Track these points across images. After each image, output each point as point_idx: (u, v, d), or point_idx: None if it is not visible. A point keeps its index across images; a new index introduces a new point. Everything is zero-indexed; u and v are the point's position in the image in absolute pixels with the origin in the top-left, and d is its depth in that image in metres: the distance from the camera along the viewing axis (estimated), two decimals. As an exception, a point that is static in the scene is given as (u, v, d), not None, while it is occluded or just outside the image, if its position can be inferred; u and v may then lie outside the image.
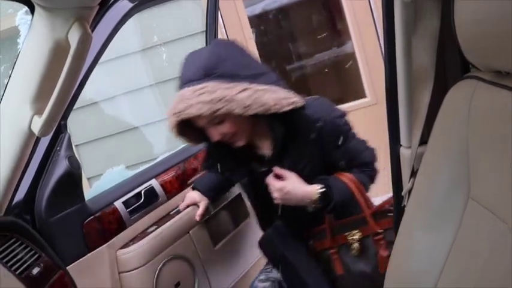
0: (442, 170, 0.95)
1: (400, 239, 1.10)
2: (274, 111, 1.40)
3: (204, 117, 1.41)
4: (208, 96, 1.34)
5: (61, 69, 1.07)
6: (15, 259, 1.27)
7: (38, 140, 1.38)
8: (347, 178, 1.57)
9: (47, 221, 1.55)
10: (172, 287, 1.91)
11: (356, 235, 1.58)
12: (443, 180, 0.94)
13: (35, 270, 1.30)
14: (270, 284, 1.80)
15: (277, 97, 1.40)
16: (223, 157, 1.63)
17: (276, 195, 1.54)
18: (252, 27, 3.55)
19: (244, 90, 1.36)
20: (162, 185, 2.01)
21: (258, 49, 3.49)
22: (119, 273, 1.80)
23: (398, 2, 1.04)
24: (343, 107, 3.50)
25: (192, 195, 1.96)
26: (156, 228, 1.91)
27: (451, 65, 1.09)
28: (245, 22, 3.46)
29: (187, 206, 1.96)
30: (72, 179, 1.63)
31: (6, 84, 1.19)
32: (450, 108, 0.96)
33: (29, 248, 1.34)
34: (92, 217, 1.72)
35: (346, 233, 1.60)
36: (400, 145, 1.21)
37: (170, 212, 2.03)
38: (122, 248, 1.81)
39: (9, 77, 1.18)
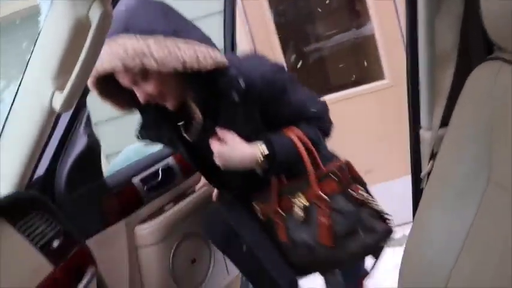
0: (463, 152, 0.95)
1: (418, 221, 1.10)
2: (196, 70, 1.31)
3: (124, 75, 1.35)
4: (120, 49, 1.27)
5: (82, 46, 1.07)
6: (35, 232, 1.29)
7: (58, 116, 1.39)
8: (293, 133, 1.46)
9: (66, 196, 1.57)
10: (188, 263, 1.94)
11: (301, 199, 1.48)
12: (464, 162, 0.94)
13: (55, 244, 1.32)
14: None
15: (195, 54, 1.30)
16: (156, 124, 1.55)
17: (217, 161, 1.46)
18: (271, 8, 3.52)
19: (158, 43, 1.28)
20: (178, 164, 2.01)
21: (276, 30, 3.46)
22: (136, 248, 1.84)
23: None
24: (361, 89, 3.52)
25: None
26: (173, 206, 1.93)
27: (475, 46, 1.08)
28: (264, 3, 3.43)
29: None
30: (91, 156, 1.64)
31: (28, 61, 1.20)
32: (473, 90, 0.95)
33: (49, 222, 1.36)
34: (111, 193, 1.75)
35: (291, 197, 1.50)
36: (420, 127, 1.20)
37: (186, 190, 2.04)
38: (139, 224, 1.84)
39: (31, 53, 1.19)
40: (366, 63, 3.94)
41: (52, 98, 1.16)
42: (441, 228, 0.98)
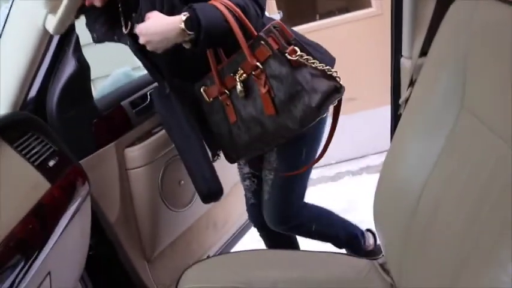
0: (439, 80, 1.01)
1: (394, 144, 1.18)
2: None
3: None
4: None
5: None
6: (32, 151, 1.34)
7: (50, 38, 1.41)
8: (218, 2, 1.36)
9: (58, 118, 1.60)
10: (176, 184, 2.02)
11: (241, 75, 1.41)
12: (439, 89, 1.00)
13: (51, 163, 1.38)
14: (249, 182, 1.90)
15: None
16: (104, 24, 1.54)
17: (142, 40, 1.38)
18: None
19: None
20: None
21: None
22: (126, 169, 1.89)
23: None
24: (348, 16, 3.51)
25: None
26: (161, 129, 1.96)
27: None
28: None
29: None
30: (81, 78, 1.66)
31: (20, -18, 1.22)
32: (452, 21, 1.00)
33: (44, 142, 1.41)
34: (101, 116, 1.78)
35: (233, 74, 1.44)
36: (401, 55, 1.25)
37: None
38: (128, 146, 1.88)
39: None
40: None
41: (45, 20, 1.19)
42: (415, 150, 1.06)
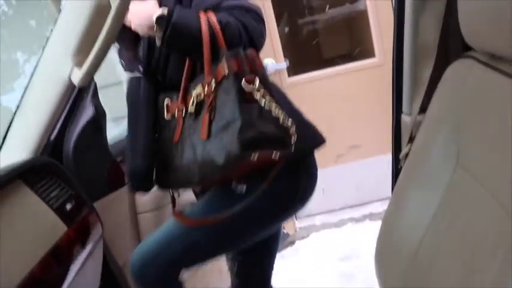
0: (437, 137, 1.08)
1: (395, 198, 1.24)
2: None
3: None
4: None
5: (101, 26, 1.19)
6: (51, 195, 1.41)
7: (73, 88, 1.49)
8: (203, 12, 1.31)
9: (73, 162, 1.64)
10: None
11: (198, 92, 1.32)
12: (437, 146, 1.07)
13: (68, 206, 1.45)
14: None
15: None
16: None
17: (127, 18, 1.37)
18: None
19: None
20: None
21: (271, 1, 3.54)
22: (136, 213, 1.94)
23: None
24: (351, 66, 3.63)
25: None
26: None
27: (454, 43, 1.20)
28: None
29: None
30: (97, 126, 1.73)
31: (48, 37, 1.31)
32: (448, 83, 1.08)
33: (62, 186, 1.48)
34: (114, 160, 1.84)
35: (193, 90, 1.34)
36: (402, 112, 1.33)
37: None
38: None
39: (51, 31, 1.30)
40: (358, 39, 4.04)
41: (71, 73, 1.28)
42: (415, 202, 1.12)
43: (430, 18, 1.19)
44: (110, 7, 1.16)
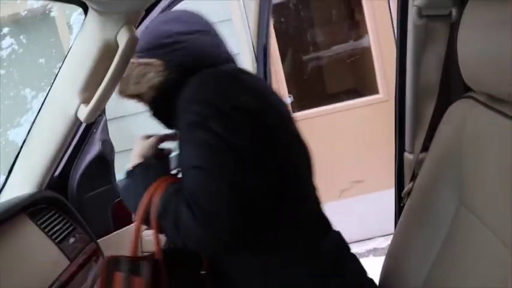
0: (439, 176, 1.09)
1: (398, 235, 1.24)
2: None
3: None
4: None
5: (108, 65, 1.21)
6: (54, 229, 1.42)
7: (79, 123, 1.50)
8: (159, 187, 1.08)
9: (77, 199, 1.64)
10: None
11: None
12: (439, 185, 1.08)
13: (71, 240, 1.46)
14: None
15: None
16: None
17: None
18: (272, 15, 3.65)
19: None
20: None
21: (276, 37, 3.60)
22: (142, 252, 1.82)
23: (411, 24, 1.17)
24: (356, 102, 3.67)
25: None
26: None
27: (454, 83, 1.22)
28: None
29: None
30: (103, 162, 1.72)
31: (56, 75, 1.34)
32: (449, 123, 1.09)
33: (66, 220, 1.49)
34: (120, 199, 1.82)
35: None
36: (405, 150, 1.34)
37: None
38: (147, 229, 1.85)
39: (59, 68, 1.33)
40: (362, 75, 4.09)
41: (78, 109, 1.30)
42: (418, 239, 1.12)
43: (431, 59, 1.21)
44: (117, 46, 1.19)
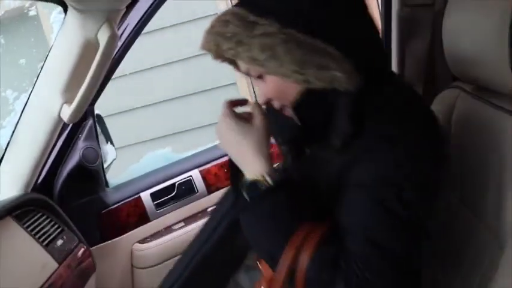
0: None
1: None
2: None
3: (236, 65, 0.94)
4: (221, 28, 0.87)
5: (90, 63, 1.19)
6: (41, 232, 1.40)
7: (64, 125, 1.47)
8: (307, 244, 0.81)
9: (61, 208, 1.56)
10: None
11: None
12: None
13: (59, 242, 1.44)
14: None
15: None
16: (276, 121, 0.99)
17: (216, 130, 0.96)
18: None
19: (266, 35, 0.82)
20: (204, 177, 1.80)
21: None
22: (132, 267, 1.75)
23: (395, 13, 1.16)
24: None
25: None
26: (182, 226, 1.77)
27: (443, 74, 1.22)
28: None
29: None
30: (84, 172, 1.62)
31: (38, 75, 1.31)
32: (437, 112, 1.08)
33: (53, 223, 1.47)
34: (109, 208, 1.70)
35: None
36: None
37: (207, 209, 1.81)
38: (140, 242, 1.75)
39: (41, 68, 1.30)
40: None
41: (61, 109, 1.28)
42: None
43: (416, 48, 1.21)
44: (99, 44, 1.17)
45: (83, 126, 1.61)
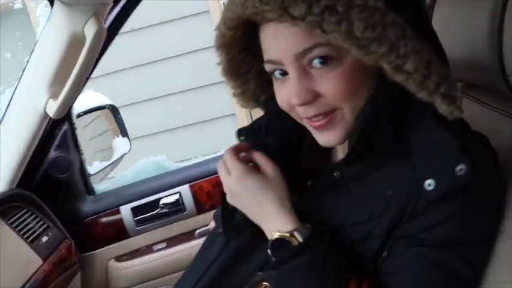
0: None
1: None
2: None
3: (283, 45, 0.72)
4: None
5: (76, 58, 1.18)
6: (26, 228, 1.38)
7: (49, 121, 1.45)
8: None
9: None
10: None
11: None
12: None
13: (44, 239, 1.42)
14: None
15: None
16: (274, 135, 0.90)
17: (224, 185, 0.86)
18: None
19: (371, 9, 0.66)
20: (195, 194, 1.61)
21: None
22: (107, 285, 1.65)
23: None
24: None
25: None
26: (164, 247, 1.63)
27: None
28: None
29: None
30: (54, 182, 1.55)
31: (24, 69, 1.29)
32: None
33: (38, 219, 1.45)
34: (85, 220, 1.60)
35: None
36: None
37: (196, 229, 1.62)
38: (116, 258, 1.64)
39: (27, 63, 1.28)
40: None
41: (46, 104, 1.26)
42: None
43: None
44: (85, 39, 1.15)
45: (54, 134, 1.52)
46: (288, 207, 0.80)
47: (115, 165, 1.87)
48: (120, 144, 1.84)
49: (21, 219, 1.39)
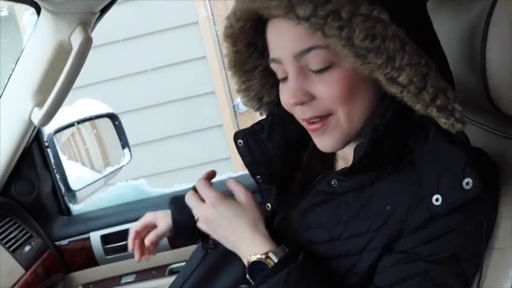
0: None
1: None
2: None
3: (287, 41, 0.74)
4: None
5: (62, 67, 1.17)
6: (9, 237, 1.37)
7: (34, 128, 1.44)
8: None
9: None
10: None
11: None
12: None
13: (27, 248, 1.41)
14: None
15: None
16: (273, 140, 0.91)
17: (196, 213, 0.86)
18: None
19: (374, 20, 0.67)
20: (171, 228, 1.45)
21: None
22: None
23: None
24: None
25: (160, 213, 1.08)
26: (132, 281, 1.55)
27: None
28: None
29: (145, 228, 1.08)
30: (15, 210, 1.48)
31: (9, 77, 1.28)
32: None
33: (21, 228, 1.44)
34: (54, 243, 1.54)
35: None
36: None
37: (168, 265, 1.55)
38: (83, 286, 1.59)
39: (12, 70, 1.27)
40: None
41: (31, 112, 1.25)
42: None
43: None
44: (71, 48, 1.15)
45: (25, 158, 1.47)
46: (263, 231, 0.82)
47: (111, 176, 1.84)
48: (121, 156, 1.81)
49: (3, 228, 1.37)
